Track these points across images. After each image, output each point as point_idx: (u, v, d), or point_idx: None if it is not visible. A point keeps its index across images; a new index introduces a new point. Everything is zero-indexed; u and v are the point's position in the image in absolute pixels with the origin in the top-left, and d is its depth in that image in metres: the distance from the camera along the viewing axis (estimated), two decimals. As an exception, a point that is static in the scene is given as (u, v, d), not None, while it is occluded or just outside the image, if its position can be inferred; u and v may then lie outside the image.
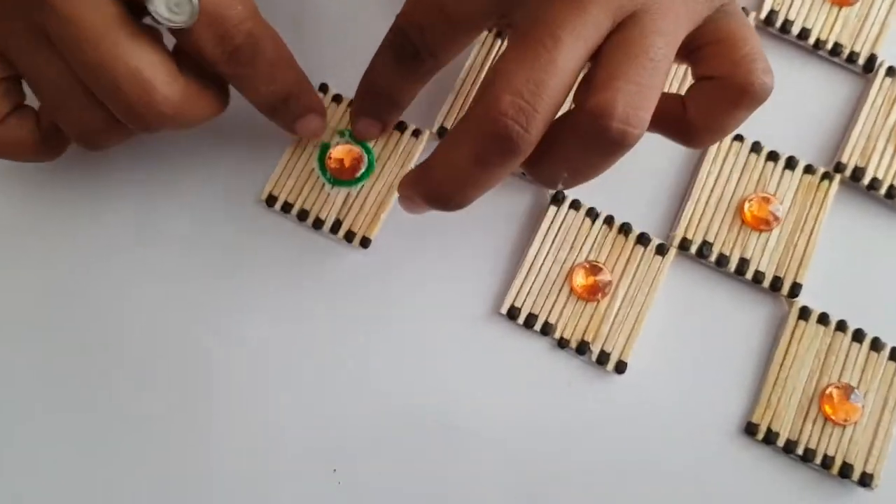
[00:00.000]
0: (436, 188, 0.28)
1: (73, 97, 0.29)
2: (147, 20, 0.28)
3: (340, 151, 0.36)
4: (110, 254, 0.36)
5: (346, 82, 0.36)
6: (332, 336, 0.35)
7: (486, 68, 0.37)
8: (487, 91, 0.25)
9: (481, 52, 0.38)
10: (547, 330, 0.34)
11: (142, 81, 0.27)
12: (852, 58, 0.38)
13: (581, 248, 0.35)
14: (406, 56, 0.31)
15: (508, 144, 0.25)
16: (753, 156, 0.36)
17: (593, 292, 0.34)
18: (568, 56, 0.25)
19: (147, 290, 0.35)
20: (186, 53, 0.29)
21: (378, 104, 0.35)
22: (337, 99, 0.37)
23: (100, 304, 0.35)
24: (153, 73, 0.28)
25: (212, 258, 0.36)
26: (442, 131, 0.37)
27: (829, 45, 0.38)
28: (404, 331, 0.35)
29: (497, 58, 0.27)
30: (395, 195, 0.36)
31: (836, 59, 0.38)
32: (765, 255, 0.35)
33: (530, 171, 0.28)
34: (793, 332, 0.34)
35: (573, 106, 0.27)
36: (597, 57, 0.26)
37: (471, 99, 0.37)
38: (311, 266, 0.36)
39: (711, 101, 0.28)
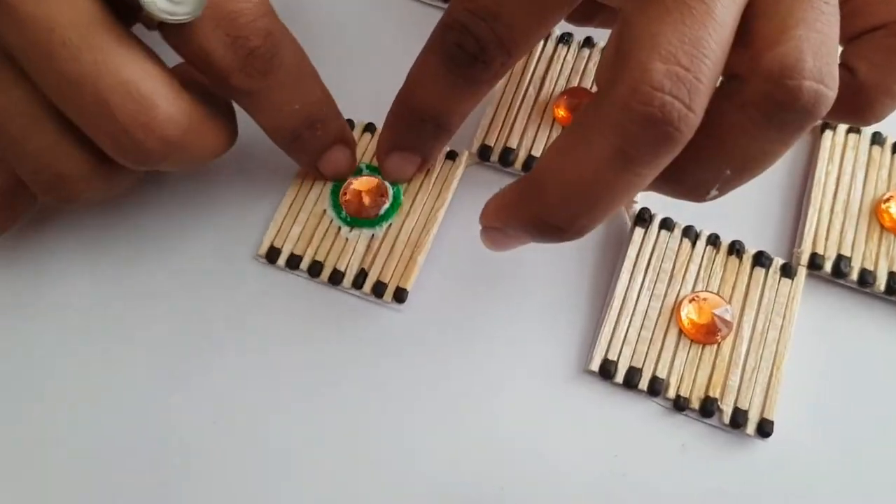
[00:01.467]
0: (551, 209, 0.20)
1: (40, 132, 0.22)
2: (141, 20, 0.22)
3: (358, 184, 0.28)
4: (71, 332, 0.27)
5: (358, 105, 0.28)
6: (366, 422, 0.26)
7: (529, 72, 0.30)
8: (627, 61, 0.18)
9: (522, 52, 0.31)
10: (657, 388, 0.26)
11: (139, 97, 0.21)
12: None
13: (684, 276, 0.27)
14: (465, 59, 0.23)
15: (666, 130, 0.18)
16: (877, 148, 0.29)
17: (711, 332, 0.26)
18: (726, 5, 0.18)
19: (129, 377, 0.26)
20: (184, 73, 0.23)
21: (420, 131, 0.26)
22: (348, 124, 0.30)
23: (66, 393, 0.26)
24: (152, 86, 0.21)
25: (202, 335, 0.27)
26: (484, 151, 0.29)
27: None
28: (463, 407, 0.26)
29: (621, 24, 0.19)
30: (433, 234, 0.28)
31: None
32: (919, 267, 0.27)
33: (677, 174, 0.20)
34: (977, 363, 0.26)
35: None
36: (751, 8, 0.19)
37: (516, 108, 0.30)
38: (333, 332, 0.27)
39: (889, 53, 0.22)
